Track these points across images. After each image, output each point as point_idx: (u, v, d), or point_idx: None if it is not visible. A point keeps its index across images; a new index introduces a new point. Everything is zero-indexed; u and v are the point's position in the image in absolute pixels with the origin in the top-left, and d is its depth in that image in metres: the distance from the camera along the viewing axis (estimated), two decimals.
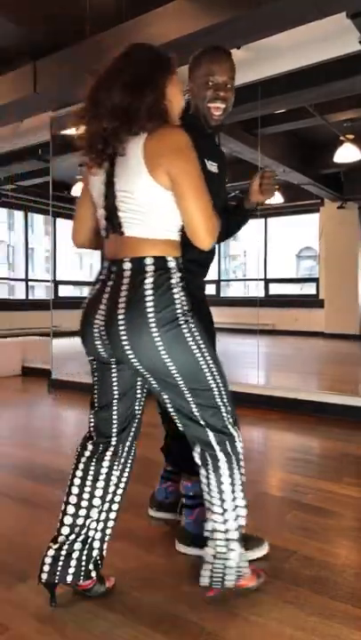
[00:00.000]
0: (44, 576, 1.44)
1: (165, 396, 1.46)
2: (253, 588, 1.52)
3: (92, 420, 1.57)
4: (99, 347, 1.44)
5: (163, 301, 1.34)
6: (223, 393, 1.47)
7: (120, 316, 1.35)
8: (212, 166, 1.76)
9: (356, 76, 3.91)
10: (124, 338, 1.35)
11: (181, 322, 1.36)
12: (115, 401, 1.51)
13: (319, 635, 1.34)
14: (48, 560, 1.45)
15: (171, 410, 1.48)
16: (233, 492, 1.47)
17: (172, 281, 1.37)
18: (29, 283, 9.31)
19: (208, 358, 1.43)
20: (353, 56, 3.50)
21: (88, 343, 1.48)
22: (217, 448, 1.47)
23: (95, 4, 3.95)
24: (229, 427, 1.48)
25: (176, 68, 1.45)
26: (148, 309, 1.33)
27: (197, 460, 1.50)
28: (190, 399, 1.43)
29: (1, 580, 1.60)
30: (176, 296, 1.36)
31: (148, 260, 1.36)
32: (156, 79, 1.38)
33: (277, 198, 7.98)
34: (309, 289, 9.91)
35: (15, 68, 4.62)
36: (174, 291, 1.36)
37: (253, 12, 3.23)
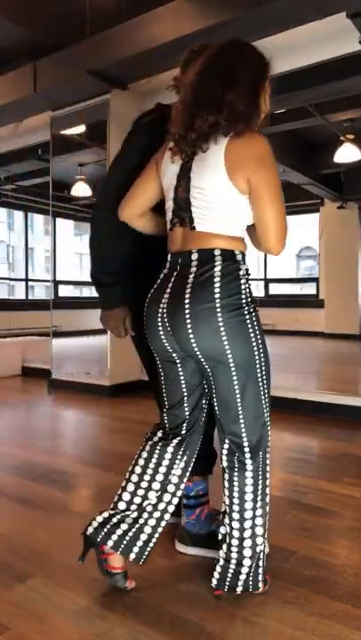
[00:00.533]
0: (90, 530, 1.49)
1: (215, 387, 1.46)
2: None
3: (165, 417, 1.59)
4: (163, 339, 1.46)
5: (229, 289, 1.37)
6: (267, 397, 1.48)
7: (186, 301, 1.37)
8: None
9: (356, 75, 3.91)
10: (188, 322, 1.37)
11: (245, 311, 1.39)
12: (185, 398, 1.54)
13: (319, 635, 1.34)
14: (99, 519, 1.51)
15: (216, 404, 1.48)
16: (255, 500, 1.47)
17: (240, 272, 1.40)
18: (29, 283, 9.30)
19: (262, 355, 1.45)
20: (353, 56, 3.50)
21: (154, 338, 1.49)
22: (248, 454, 1.47)
23: (95, 4, 3.95)
24: (264, 438, 1.48)
25: (270, 74, 1.48)
26: (215, 295, 1.36)
27: (224, 460, 1.49)
28: (237, 390, 1.42)
29: (1, 579, 1.60)
30: (243, 286, 1.40)
31: (217, 252, 1.39)
32: (257, 83, 1.41)
33: None
34: (309, 289, 9.91)
35: (15, 67, 4.62)
36: (241, 281, 1.40)
37: (253, 12, 3.23)
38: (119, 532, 1.48)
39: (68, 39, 4.20)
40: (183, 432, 1.55)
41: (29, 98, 4.56)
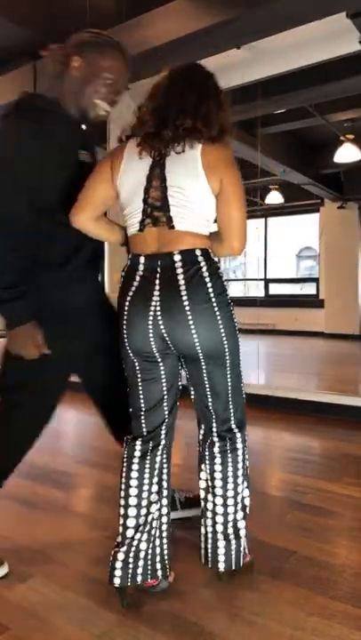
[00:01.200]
0: (117, 581, 1.46)
1: (209, 381, 1.53)
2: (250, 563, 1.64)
3: (143, 421, 1.58)
4: (150, 339, 1.47)
5: (218, 288, 1.46)
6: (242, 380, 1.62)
7: (185, 302, 1.41)
8: (86, 156, 1.65)
9: (356, 75, 3.92)
10: (190, 321, 1.42)
11: (231, 307, 1.51)
12: (165, 396, 1.56)
13: (319, 635, 1.34)
14: (118, 565, 1.47)
15: (209, 395, 1.55)
16: (244, 475, 1.60)
17: (220, 270, 1.49)
18: None
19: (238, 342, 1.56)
20: (353, 56, 3.50)
21: (137, 339, 1.49)
22: (237, 432, 1.59)
23: (95, 4, 3.94)
24: (244, 417, 1.62)
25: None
26: (211, 294, 1.44)
27: (217, 447, 1.58)
28: (229, 379, 1.53)
29: (1, 579, 1.60)
30: (224, 283, 1.50)
31: (198, 252, 1.45)
32: (222, 98, 1.55)
33: (277, 198, 7.99)
34: (309, 289, 9.91)
35: (15, 68, 4.62)
36: (223, 278, 1.49)
37: (253, 11, 3.23)
38: (141, 562, 1.49)
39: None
40: (162, 437, 1.58)
41: None
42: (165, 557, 1.55)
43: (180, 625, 1.38)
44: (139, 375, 1.55)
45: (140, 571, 1.48)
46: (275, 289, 10.09)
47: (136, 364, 1.53)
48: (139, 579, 1.48)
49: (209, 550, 1.57)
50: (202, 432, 1.64)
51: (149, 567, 1.50)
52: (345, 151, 5.95)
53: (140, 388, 1.56)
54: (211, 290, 1.43)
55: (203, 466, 1.63)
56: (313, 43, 3.58)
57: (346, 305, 8.63)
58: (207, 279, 1.43)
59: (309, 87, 4.19)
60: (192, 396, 1.61)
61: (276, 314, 8.85)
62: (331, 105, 5.02)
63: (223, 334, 1.46)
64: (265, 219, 9.46)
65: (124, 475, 1.55)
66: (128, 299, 1.48)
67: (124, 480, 1.55)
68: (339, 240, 8.85)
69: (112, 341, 1.61)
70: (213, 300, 1.43)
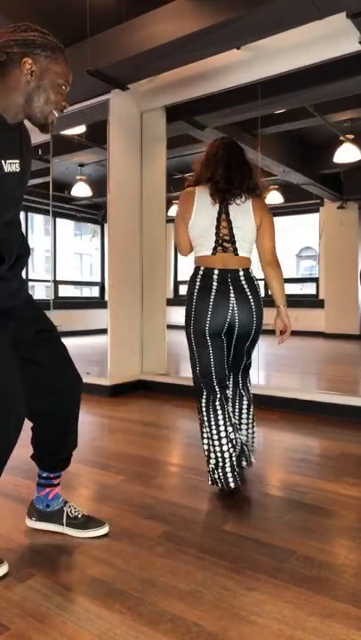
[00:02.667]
0: (232, 484, 2.21)
1: (246, 351, 2.41)
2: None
3: (214, 378, 2.30)
4: (228, 319, 2.24)
5: (258, 290, 2.33)
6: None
7: (251, 300, 2.27)
8: (12, 165, 1.56)
9: (356, 76, 3.92)
10: (254, 310, 2.28)
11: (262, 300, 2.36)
12: (225, 360, 2.34)
13: (319, 635, 1.34)
14: (228, 469, 2.22)
15: (244, 360, 2.45)
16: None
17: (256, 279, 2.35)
18: (29, 283, 9.30)
19: None
20: (353, 56, 3.50)
21: (216, 322, 2.24)
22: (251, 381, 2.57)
23: (95, 4, 3.95)
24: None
25: None
26: (260, 295, 2.33)
27: (245, 391, 2.52)
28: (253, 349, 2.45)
29: (1, 579, 1.60)
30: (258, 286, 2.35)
31: (250, 270, 2.32)
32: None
33: (277, 198, 7.99)
34: (309, 289, 9.91)
35: None
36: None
37: (253, 12, 3.23)
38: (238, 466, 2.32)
39: (68, 39, 4.20)
40: (230, 385, 2.46)
41: None
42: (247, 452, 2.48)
43: (180, 625, 1.38)
44: (212, 348, 2.28)
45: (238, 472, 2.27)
46: None
47: (209, 340, 2.27)
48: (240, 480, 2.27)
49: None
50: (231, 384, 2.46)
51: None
52: (345, 151, 5.95)
53: (212, 356, 2.29)
54: (260, 293, 2.33)
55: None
56: (313, 43, 3.58)
57: (346, 305, 8.63)
58: (258, 287, 2.31)
59: (309, 87, 4.19)
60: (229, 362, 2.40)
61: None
62: (331, 105, 5.02)
63: (262, 317, 2.33)
64: None
65: (210, 417, 2.29)
66: (211, 297, 2.23)
67: (212, 419, 2.29)
68: (339, 240, 8.85)
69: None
70: (261, 299, 2.33)
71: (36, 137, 5.36)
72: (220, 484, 2.22)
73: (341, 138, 5.92)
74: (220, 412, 2.26)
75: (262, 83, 3.99)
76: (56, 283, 5.47)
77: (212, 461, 2.24)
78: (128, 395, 4.43)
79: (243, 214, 2.23)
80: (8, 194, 1.58)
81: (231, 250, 2.24)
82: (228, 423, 2.26)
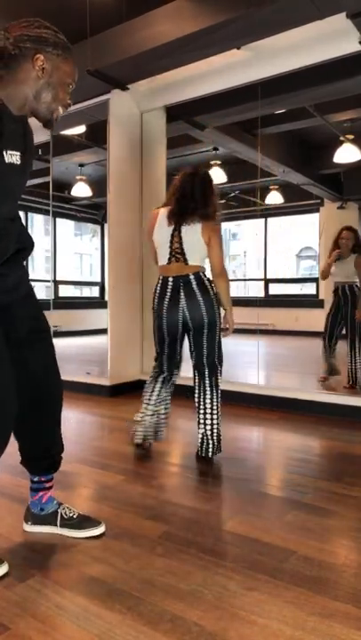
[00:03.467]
0: (139, 439, 2.83)
1: (205, 343, 2.73)
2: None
3: (165, 364, 2.87)
4: (180, 319, 2.71)
5: (207, 289, 2.71)
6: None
7: (200, 299, 2.68)
8: (13, 156, 1.55)
9: (356, 76, 3.91)
10: (202, 307, 2.68)
11: (214, 297, 2.73)
12: (177, 354, 2.85)
13: (319, 635, 1.34)
14: (140, 429, 2.83)
15: (205, 353, 2.75)
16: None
17: (208, 280, 2.74)
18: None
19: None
20: (353, 56, 3.50)
21: (170, 323, 2.74)
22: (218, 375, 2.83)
23: (95, 4, 3.95)
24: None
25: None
26: (211, 294, 2.70)
27: (210, 389, 2.78)
28: (215, 343, 2.76)
29: (1, 579, 1.60)
30: (209, 286, 2.73)
31: (200, 273, 2.72)
32: (212, 188, 2.78)
33: (277, 198, 7.98)
34: (309, 289, 9.90)
35: None
36: (209, 284, 2.74)
37: (253, 12, 3.23)
38: (151, 428, 2.89)
39: (68, 39, 4.19)
40: (175, 373, 2.93)
41: None
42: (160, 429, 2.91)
43: (180, 625, 1.38)
44: (167, 343, 2.81)
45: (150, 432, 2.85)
46: (275, 289, 10.08)
47: (165, 335, 2.78)
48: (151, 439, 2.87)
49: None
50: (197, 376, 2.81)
51: (151, 432, 2.86)
52: (345, 151, 5.95)
53: (166, 345, 2.82)
54: (211, 293, 2.72)
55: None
56: (313, 43, 3.58)
57: None
58: (208, 287, 2.71)
59: (309, 87, 4.18)
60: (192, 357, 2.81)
61: (276, 314, 8.84)
62: (331, 105, 5.02)
63: (215, 314, 2.71)
64: (265, 219, 9.45)
65: (149, 388, 2.89)
66: (165, 302, 2.73)
67: (149, 390, 2.88)
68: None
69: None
70: (214, 298, 2.72)
71: (36, 137, 5.36)
72: (132, 437, 2.86)
73: (341, 138, 5.92)
74: (158, 385, 2.87)
75: (262, 83, 3.98)
76: (56, 283, 5.47)
77: (138, 416, 2.85)
78: (128, 395, 4.43)
79: (193, 233, 2.68)
80: (7, 185, 1.55)
81: (182, 260, 2.69)
82: (158, 396, 2.85)
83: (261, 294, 9.90)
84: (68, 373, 4.92)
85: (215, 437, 2.73)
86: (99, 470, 2.62)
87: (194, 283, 2.68)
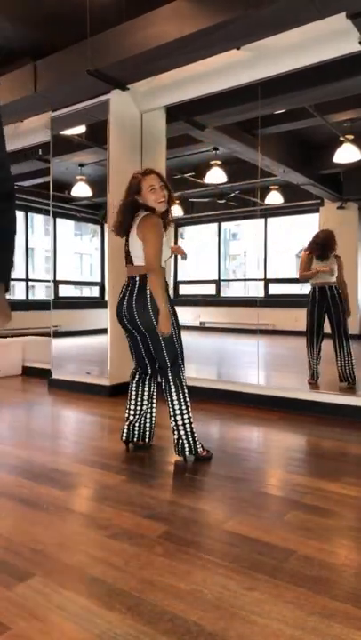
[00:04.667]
0: (124, 437, 2.89)
1: (150, 345, 2.75)
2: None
3: (136, 363, 2.91)
4: (125, 318, 2.74)
5: (150, 294, 2.66)
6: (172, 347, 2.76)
7: (134, 302, 2.69)
8: None
9: (356, 76, 3.91)
10: (135, 310, 2.69)
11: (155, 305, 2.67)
12: (142, 352, 2.84)
13: (319, 635, 1.34)
14: (125, 428, 2.89)
15: (155, 356, 2.76)
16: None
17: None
18: (29, 283, 9.29)
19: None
20: (353, 56, 3.50)
21: (120, 320, 2.78)
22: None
23: (95, 4, 3.95)
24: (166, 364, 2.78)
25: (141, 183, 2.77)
26: (147, 297, 2.66)
27: (169, 395, 2.75)
28: (159, 345, 2.72)
29: (1, 579, 1.60)
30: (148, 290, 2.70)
31: (145, 275, 2.67)
32: (133, 196, 2.80)
33: (277, 198, 7.99)
34: (309, 289, 9.90)
35: (15, 68, 4.62)
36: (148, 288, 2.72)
37: (253, 12, 3.23)
38: (137, 430, 2.95)
39: (68, 39, 4.20)
40: (149, 371, 2.89)
41: (29, 98, 4.57)
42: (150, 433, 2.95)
43: (180, 625, 1.38)
44: (129, 341, 2.88)
45: (135, 434, 2.91)
46: (274, 289, 10.08)
47: (125, 332, 2.85)
48: (135, 439, 2.92)
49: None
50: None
51: (139, 434, 2.92)
52: (345, 151, 5.95)
53: (131, 347, 2.89)
54: (143, 294, 2.68)
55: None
56: (313, 43, 3.58)
57: None
58: (143, 288, 2.68)
59: (309, 87, 4.18)
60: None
61: (276, 314, 8.84)
62: (331, 105, 5.02)
63: (153, 319, 2.66)
64: (265, 219, 9.45)
65: (130, 388, 2.92)
66: (118, 300, 2.78)
67: (130, 391, 2.91)
68: (339, 240, 8.83)
69: None
70: (149, 301, 2.66)
71: (37, 137, 5.37)
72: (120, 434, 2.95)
73: (341, 138, 5.92)
74: (134, 385, 2.91)
75: (262, 83, 3.98)
76: (56, 283, 5.46)
77: (125, 415, 2.93)
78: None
79: (132, 235, 2.71)
80: None
81: (130, 260, 2.74)
82: (138, 395, 2.89)
83: (261, 294, 9.90)
84: (68, 373, 4.95)
85: (190, 437, 2.71)
86: (99, 470, 2.62)
87: (137, 284, 2.69)
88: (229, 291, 11.39)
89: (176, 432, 2.72)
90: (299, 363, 6.52)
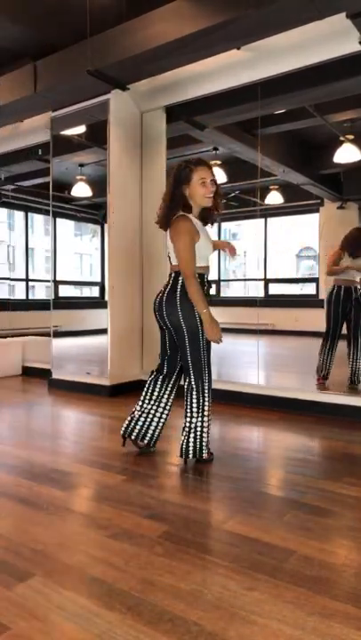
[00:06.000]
0: (122, 431, 2.87)
1: (178, 344, 2.69)
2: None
3: (162, 361, 2.83)
4: (155, 313, 2.74)
5: (177, 292, 2.64)
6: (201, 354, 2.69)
7: (164, 297, 2.66)
8: None
9: (356, 76, 3.91)
10: (164, 307, 2.66)
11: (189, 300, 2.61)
12: (167, 348, 2.81)
13: (319, 635, 1.34)
14: (126, 421, 2.87)
15: (180, 354, 2.72)
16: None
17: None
18: (29, 283, 9.29)
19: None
20: (353, 56, 3.50)
21: (155, 315, 2.76)
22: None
23: (95, 4, 3.95)
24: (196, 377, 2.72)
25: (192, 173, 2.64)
26: (176, 295, 2.62)
27: (189, 397, 2.69)
28: (185, 347, 2.66)
29: (1, 579, 1.60)
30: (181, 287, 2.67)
31: (179, 273, 2.63)
32: (173, 187, 2.69)
33: (277, 198, 7.99)
34: (309, 289, 9.90)
35: (15, 68, 4.62)
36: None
37: (253, 12, 3.23)
38: (137, 428, 2.89)
39: (68, 39, 4.20)
40: (173, 373, 2.84)
41: (29, 98, 4.56)
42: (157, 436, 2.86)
43: (180, 625, 1.38)
44: (161, 337, 2.84)
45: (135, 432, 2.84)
46: (275, 289, 10.08)
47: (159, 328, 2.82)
48: (132, 436, 2.85)
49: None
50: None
51: (142, 433, 2.84)
52: (345, 151, 5.95)
53: (161, 344, 2.84)
54: (174, 291, 2.64)
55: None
56: (313, 43, 3.58)
57: None
58: (175, 285, 2.64)
59: (309, 87, 4.18)
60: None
61: (276, 314, 8.84)
62: (331, 105, 5.02)
63: (173, 313, 2.62)
64: (265, 219, 9.45)
65: (147, 385, 2.85)
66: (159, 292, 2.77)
67: (147, 387, 2.84)
68: (339, 240, 8.83)
69: None
70: (173, 296, 2.63)
71: (37, 137, 5.39)
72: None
73: (341, 138, 5.92)
74: (147, 381, 2.86)
75: (262, 83, 3.98)
76: (56, 283, 5.46)
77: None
78: (128, 395, 4.43)
79: (168, 238, 2.67)
80: None
81: (170, 260, 2.70)
82: (147, 393, 2.82)
83: (261, 294, 9.90)
84: (68, 373, 4.95)
85: (197, 441, 2.65)
86: (99, 470, 2.62)
87: (171, 280, 2.65)
88: (229, 291, 11.39)
89: (185, 434, 2.66)
90: (299, 363, 6.52)
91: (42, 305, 6.25)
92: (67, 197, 6.59)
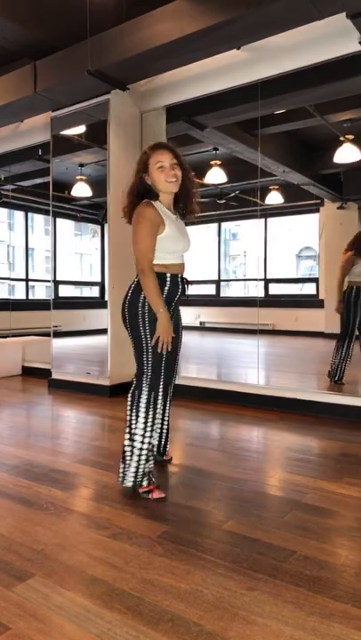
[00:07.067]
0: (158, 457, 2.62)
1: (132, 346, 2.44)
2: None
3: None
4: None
5: (131, 288, 2.41)
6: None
7: (124, 296, 2.40)
8: None
9: (356, 76, 3.91)
10: (121, 306, 2.36)
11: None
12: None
13: (319, 635, 1.34)
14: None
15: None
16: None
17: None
18: (29, 283, 9.29)
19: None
20: (353, 56, 3.50)
21: None
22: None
23: (95, 4, 3.95)
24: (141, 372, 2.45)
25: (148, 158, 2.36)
26: (129, 293, 2.39)
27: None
28: (137, 348, 2.41)
29: (1, 579, 1.60)
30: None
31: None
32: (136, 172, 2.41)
33: (277, 198, 8.00)
34: (309, 289, 9.90)
35: (15, 68, 4.62)
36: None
37: (253, 12, 3.23)
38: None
39: (68, 39, 4.21)
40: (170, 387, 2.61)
41: (29, 98, 4.57)
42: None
43: (180, 625, 1.38)
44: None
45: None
46: (275, 289, 10.08)
47: None
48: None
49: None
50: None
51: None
52: (345, 151, 5.95)
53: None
54: (129, 288, 2.39)
55: None
56: (313, 43, 3.58)
57: None
58: (134, 281, 2.40)
59: (309, 87, 4.18)
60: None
61: (276, 314, 8.85)
62: (331, 105, 5.02)
63: (125, 310, 2.36)
64: (265, 219, 9.46)
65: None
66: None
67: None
68: (339, 240, 8.83)
69: None
70: (127, 292, 2.38)
71: (37, 137, 5.39)
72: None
73: (341, 138, 5.92)
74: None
75: (262, 83, 3.98)
76: (56, 283, 5.46)
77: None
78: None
79: None
80: None
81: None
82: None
83: (261, 294, 9.90)
84: (68, 373, 4.95)
85: (137, 467, 2.27)
86: (99, 470, 2.62)
87: (133, 282, 2.36)
88: (229, 291, 11.40)
89: (122, 455, 2.28)
90: (299, 363, 6.53)
91: (42, 305, 6.25)
92: (67, 197, 6.59)
